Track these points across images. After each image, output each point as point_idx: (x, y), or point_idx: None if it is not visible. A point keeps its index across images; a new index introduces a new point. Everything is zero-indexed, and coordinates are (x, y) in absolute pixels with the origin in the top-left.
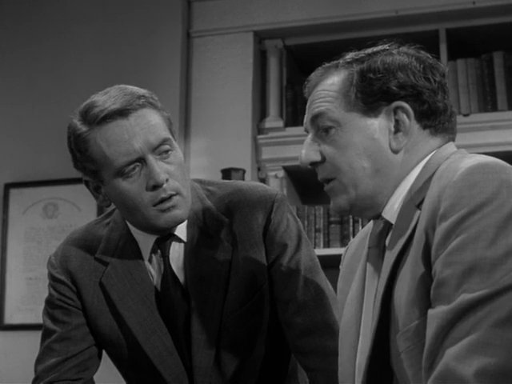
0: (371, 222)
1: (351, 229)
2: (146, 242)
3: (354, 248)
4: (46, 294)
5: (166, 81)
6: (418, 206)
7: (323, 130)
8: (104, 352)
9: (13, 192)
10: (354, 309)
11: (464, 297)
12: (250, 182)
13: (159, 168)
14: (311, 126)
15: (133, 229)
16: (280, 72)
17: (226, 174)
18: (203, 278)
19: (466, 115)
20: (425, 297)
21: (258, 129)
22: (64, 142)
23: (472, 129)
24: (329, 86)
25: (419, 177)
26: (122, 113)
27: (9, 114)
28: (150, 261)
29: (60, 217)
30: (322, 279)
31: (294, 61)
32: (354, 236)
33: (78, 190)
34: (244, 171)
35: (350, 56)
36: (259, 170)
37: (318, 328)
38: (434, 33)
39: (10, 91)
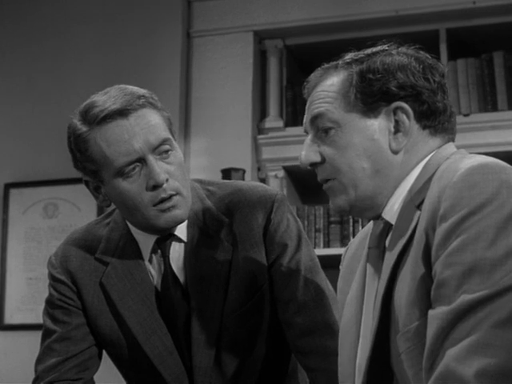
0: (371, 222)
1: (351, 229)
2: (146, 242)
3: (354, 248)
4: (46, 294)
5: (166, 81)
6: (418, 207)
7: (323, 130)
8: (104, 352)
9: (13, 192)
10: (353, 309)
11: (464, 297)
12: (250, 182)
13: (159, 168)
14: (311, 126)
15: (133, 229)
16: (280, 72)
17: (226, 174)
18: (203, 278)
19: (466, 115)
20: (425, 297)
21: (258, 129)
22: (64, 142)
23: (472, 129)
24: (328, 87)
25: (419, 177)
26: (122, 113)
27: (9, 114)
28: (150, 261)
29: (60, 217)
30: (322, 279)
31: (294, 61)
32: (353, 236)
33: (78, 190)
34: (244, 171)
35: (349, 56)
36: (259, 170)
37: (318, 328)
38: (434, 33)
39: (9, 91)
